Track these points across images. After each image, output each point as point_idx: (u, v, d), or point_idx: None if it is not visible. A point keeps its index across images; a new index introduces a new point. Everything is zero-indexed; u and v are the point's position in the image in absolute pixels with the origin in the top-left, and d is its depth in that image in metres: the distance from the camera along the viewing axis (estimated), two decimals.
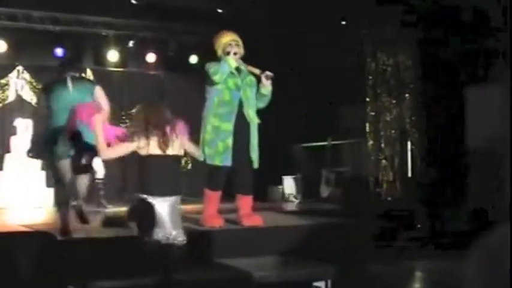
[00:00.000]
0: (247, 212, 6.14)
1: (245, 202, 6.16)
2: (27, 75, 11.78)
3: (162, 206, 4.32)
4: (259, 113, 6.33)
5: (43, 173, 10.44)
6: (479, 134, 8.99)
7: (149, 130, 4.34)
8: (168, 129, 4.40)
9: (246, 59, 6.45)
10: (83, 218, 6.20)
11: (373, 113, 10.33)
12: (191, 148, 4.79)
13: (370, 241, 6.21)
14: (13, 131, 10.66)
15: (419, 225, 7.73)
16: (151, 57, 12.23)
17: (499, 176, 8.72)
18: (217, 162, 6.00)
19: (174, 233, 4.37)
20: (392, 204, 9.73)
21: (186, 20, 11.33)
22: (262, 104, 6.36)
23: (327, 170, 10.77)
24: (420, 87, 9.96)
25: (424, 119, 9.97)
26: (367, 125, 10.39)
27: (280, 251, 5.72)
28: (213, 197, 6.15)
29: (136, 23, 11.67)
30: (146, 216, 4.30)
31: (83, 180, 6.01)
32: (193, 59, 12.50)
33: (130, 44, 12.09)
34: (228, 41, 6.24)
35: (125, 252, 5.13)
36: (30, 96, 11.66)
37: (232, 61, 6.12)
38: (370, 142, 10.39)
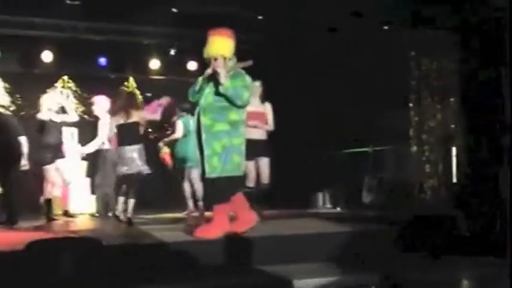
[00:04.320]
0: (203, 223, 6.12)
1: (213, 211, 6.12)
2: (72, 84, 11.99)
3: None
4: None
5: (88, 180, 10.58)
6: None
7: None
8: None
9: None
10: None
11: (416, 118, 10.22)
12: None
13: (414, 248, 6.14)
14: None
15: (465, 233, 7.61)
16: (192, 65, 12.33)
17: None
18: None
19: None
20: (437, 210, 9.60)
21: (226, 28, 11.38)
22: (236, 100, 5.97)
23: (370, 176, 10.68)
24: (465, 91, 9.82)
25: (469, 124, 9.82)
26: (411, 130, 10.28)
27: (323, 258, 5.69)
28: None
29: (177, 32, 11.77)
30: None
31: None
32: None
33: (172, 52, 12.21)
34: (207, 58, 6.14)
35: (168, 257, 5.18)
36: (75, 105, 11.86)
37: (198, 84, 6.09)
38: (414, 147, 10.27)
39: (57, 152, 8.62)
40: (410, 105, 10.28)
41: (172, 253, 5.33)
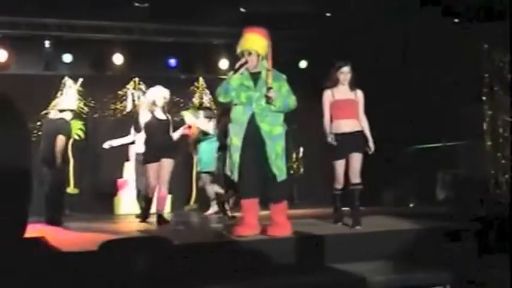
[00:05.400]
0: (275, 221, 6.01)
1: (273, 210, 6.03)
2: (143, 86, 12.19)
3: None
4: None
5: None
6: None
7: None
8: None
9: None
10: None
11: (490, 112, 9.97)
12: None
13: (490, 246, 5.98)
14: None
15: None
16: None
17: None
18: (229, 175, 6.06)
19: None
20: None
21: (295, 26, 11.36)
22: (286, 110, 6.10)
23: (443, 172, 10.47)
24: None
25: None
26: (484, 124, 10.03)
27: (396, 255, 5.61)
28: (246, 205, 6.05)
29: None
30: None
31: None
32: (303, 63, 12.54)
33: None
34: (240, 52, 6.11)
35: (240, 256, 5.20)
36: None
37: (235, 80, 5.99)
38: (488, 142, 10.02)
39: (157, 151, 8.16)
40: (484, 98, 10.05)
41: (241, 252, 5.35)
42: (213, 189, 9.47)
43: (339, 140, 6.72)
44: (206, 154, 9.68)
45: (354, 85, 6.91)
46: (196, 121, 9.85)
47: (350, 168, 6.77)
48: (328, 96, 6.89)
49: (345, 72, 6.86)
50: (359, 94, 6.91)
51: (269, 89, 5.92)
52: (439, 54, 10.04)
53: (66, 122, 8.97)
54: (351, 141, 6.75)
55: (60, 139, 8.59)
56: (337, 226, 6.90)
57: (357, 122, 6.83)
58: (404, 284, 4.92)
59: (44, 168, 8.49)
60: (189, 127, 9.32)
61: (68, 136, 8.83)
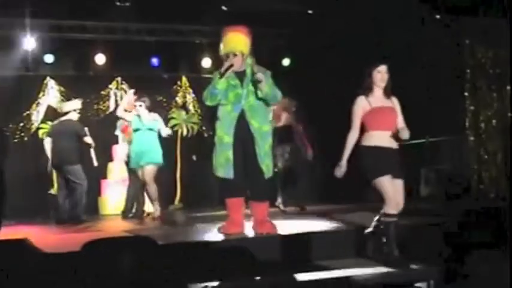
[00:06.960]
0: (261, 219, 6.02)
1: (258, 209, 6.05)
2: (125, 86, 12.13)
3: None
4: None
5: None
6: None
7: None
8: None
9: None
10: None
11: (472, 108, 10.01)
12: None
13: (473, 241, 6.02)
14: (115, 140, 10.93)
15: None
16: None
17: None
18: (220, 174, 5.99)
19: None
20: (497, 201, 9.40)
21: (277, 24, 11.35)
22: (273, 101, 6.18)
23: (426, 169, 10.50)
24: None
25: None
26: (467, 120, 10.07)
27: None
28: (233, 204, 6.08)
29: None
30: None
31: None
32: (286, 61, 12.54)
33: None
34: (225, 54, 6.12)
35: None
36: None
37: (221, 84, 5.96)
38: (471, 138, 10.06)
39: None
40: (466, 94, 10.08)
41: (235, 249, 5.37)
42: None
43: (375, 154, 5.53)
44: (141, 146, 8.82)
45: (390, 91, 5.75)
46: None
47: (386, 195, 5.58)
48: (362, 103, 5.57)
49: (383, 72, 5.66)
50: (395, 101, 5.78)
51: (254, 74, 5.92)
52: (421, 49, 10.06)
53: (78, 122, 9.30)
54: (390, 160, 5.59)
55: (87, 139, 9.12)
56: (324, 223, 6.88)
57: (394, 139, 5.71)
58: (388, 280, 4.93)
59: (62, 168, 8.95)
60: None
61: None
